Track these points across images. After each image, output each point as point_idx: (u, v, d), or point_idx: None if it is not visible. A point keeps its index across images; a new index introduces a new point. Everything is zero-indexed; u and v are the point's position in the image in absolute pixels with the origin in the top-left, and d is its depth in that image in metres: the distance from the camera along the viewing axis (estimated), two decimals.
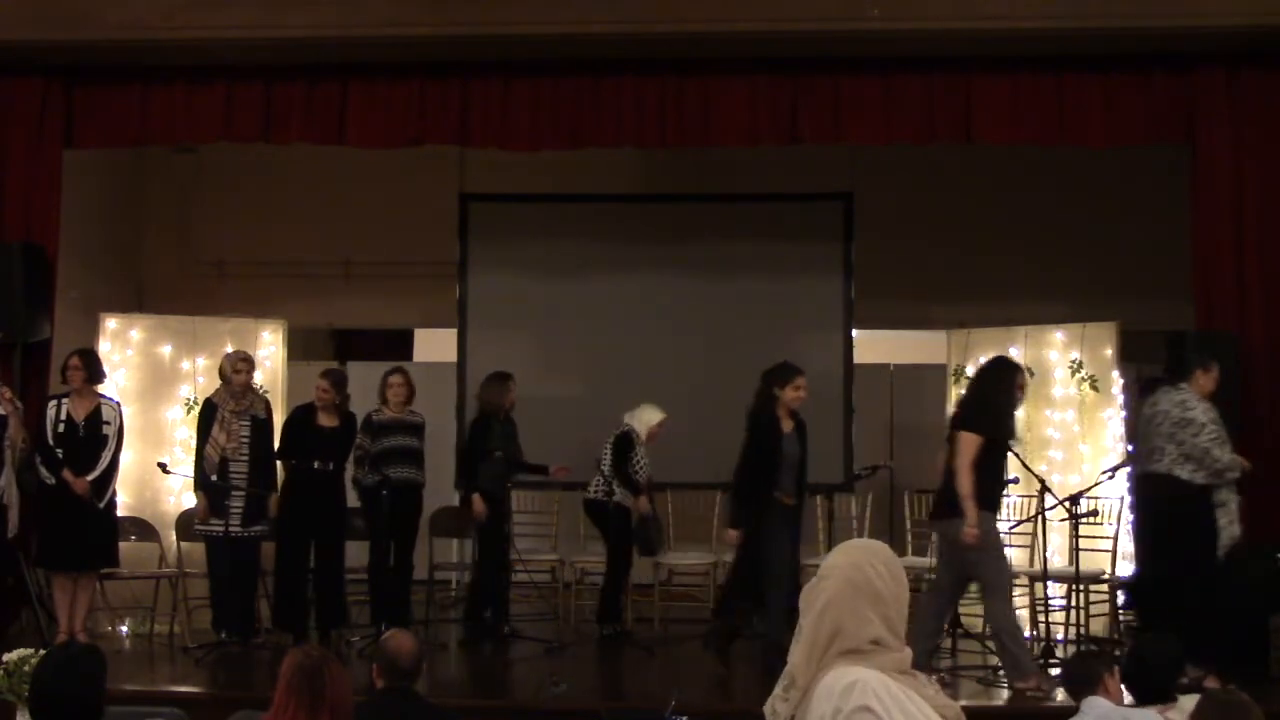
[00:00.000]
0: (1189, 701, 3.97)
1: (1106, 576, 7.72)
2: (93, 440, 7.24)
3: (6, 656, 4.29)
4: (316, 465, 7.56)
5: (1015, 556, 7.48)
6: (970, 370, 8.69)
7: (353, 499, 7.83)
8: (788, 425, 7.18)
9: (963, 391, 7.00)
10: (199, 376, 8.43)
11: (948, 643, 7.23)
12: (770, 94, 7.74)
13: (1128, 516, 7.94)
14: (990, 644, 7.15)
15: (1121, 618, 7.96)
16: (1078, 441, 8.24)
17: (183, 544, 7.89)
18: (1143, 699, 4.38)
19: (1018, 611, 7.26)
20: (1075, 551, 7.03)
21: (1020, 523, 7.64)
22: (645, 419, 8.05)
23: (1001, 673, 6.63)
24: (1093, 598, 7.63)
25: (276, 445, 7.69)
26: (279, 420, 7.86)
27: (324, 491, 7.61)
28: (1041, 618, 7.58)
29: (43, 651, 3.99)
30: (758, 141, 7.91)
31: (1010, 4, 7.30)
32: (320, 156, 9.01)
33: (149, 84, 7.98)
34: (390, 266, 10.24)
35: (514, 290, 9.75)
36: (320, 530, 7.60)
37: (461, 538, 8.70)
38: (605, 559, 8.03)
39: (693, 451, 8.81)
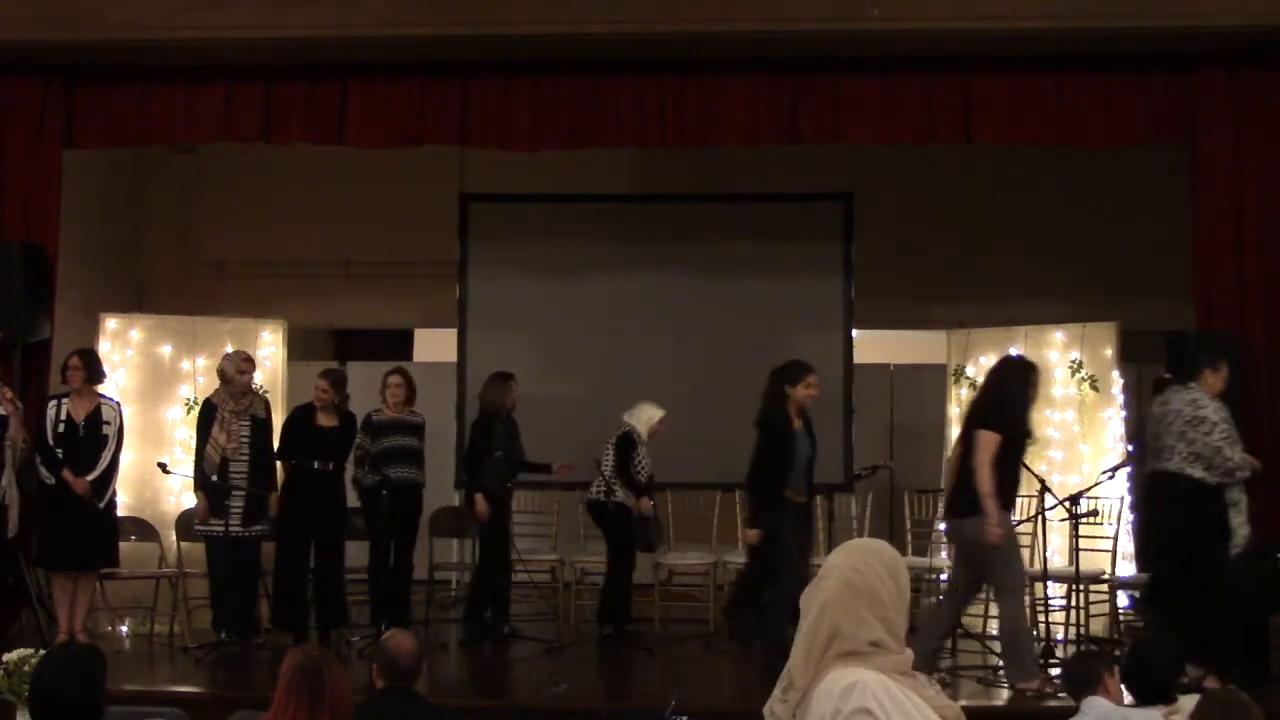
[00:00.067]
0: (1189, 701, 3.97)
1: (1106, 576, 7.72)
2: (93, 440, 7.24)
3: (6, 656, 4.29)
4: (316, 465, 7.56)
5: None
6: (970, 370, 8.71)
7: (353, 499, 7.83)
8: (797, 423, 7.19)
9: (976, 390, 6.96)
10: (199, 376, 8.43)
11: (948, 642, 7.21)
12: (770, 94, 7.74)
13: (1128, 516, 7.96)
14: (989, 644, 7.17)
15: (1121, 618, 7.96)
16: (1078, 441, 8.25)
17: (183, 544, 7.89)
18: (1143, 699, 4.38)
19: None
20: (1075, 551, 7.03)
21: (1020, 523, 7.62)
22: (646, 417, 8.05)
23: (1002, 673, 6.63)
24: (1093, 598, 7.63)
25: (276, 445, 7.69)
26: (278, 420, 7.86)
27: (324, 491, 7.61)
28: (1041, 618, 7.58)
29: (43, 651, 3.99)
30: (758, 141, 7.91)
31: (1010, 4, 7.30)
32: (320, 156, 9.01)
33: (149, 84, 7.98)
34: (390, 266, 10.24)
35: (514, 290, 9.74)
36: (320, 530, 7.60)
37: (462, 538, 8.69)
38: (605, 559, 8.03)
39: (693, 451, 8.82)
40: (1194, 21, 7.18)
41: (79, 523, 7.13)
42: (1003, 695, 6.46)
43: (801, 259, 9.60)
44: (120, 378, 8.26)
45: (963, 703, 5.79)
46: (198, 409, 7.82)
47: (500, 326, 9.70)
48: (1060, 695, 6.02)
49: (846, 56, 7.67)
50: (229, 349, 7.99)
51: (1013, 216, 9.94)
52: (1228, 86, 7.51)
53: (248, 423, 7.55)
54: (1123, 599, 8.05)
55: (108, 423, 7.30)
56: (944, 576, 8.12)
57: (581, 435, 8.53)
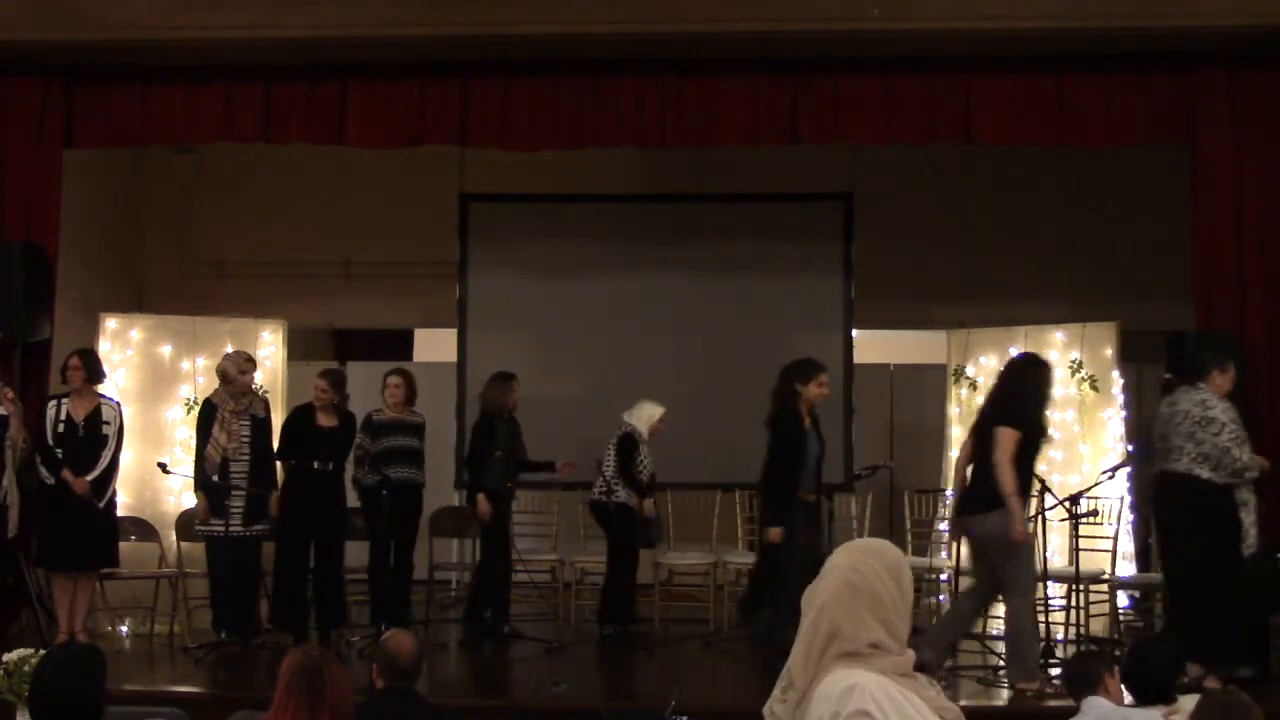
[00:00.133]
0: (1189, 701, 3.97)
1: (1106, 576, 7.72)
2: (92, 440, 7.23)
3: (6, 656, 4.29)
4: (316, 465, 7.55)
5: None
6: (970, 370, 8.72)
7: (353, 499, 7.82)
8: (806, 422, 7.19)
9: (991, 388, 6.93)
10: (199, 376, 8.43)
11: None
12: (770, 94, 7.74)
13: (1128, 516, 7.96)
14: (989, 644, 7.16)
15: (1121, 618, 7.96)
16: (1078, 441, 8.25)
17: (183, 544, 7.89)
18: (1143, 699, 4.38)
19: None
20: (1075, 551, 7.03)
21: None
22: (646, 416, 8.05)
23: (1002, 672, 6.63)
24: (1093, 598, 7.63)
25: (276, 445, 7.69)
26: (278, 420, 7.85)
27: (324, 491, 7.60)
28: (1041, 618, 7.56)
29: (43, 651, 3.99)
30: (758, 141, 7.91)
31: (1010, 4, 7.30)
32: (320, 156, 9.01)
33: (149, 84, 7.98)
34: (390, 266, 10.24)
35: (514, 290, 9.74)
36: (320, 530, 7.60)
37: (461, 538, 8.70)
38: (605, 559, 8.02)
39: (693, 451, 8.82)
40: (1194, 21, 7.18)
41: (79, 523, 7.13)
42: (1003, 695, 6.46)
43: (801, 259, 9.60)
44: (120, 378, 8.26)
45: (963, 703, 5.79)
46: (197, 409, 7.82)
47: (500, 326, 9.70)
48: (1060, 695, 6.04)
49: (846, 56, 7.67)
50: (229, 349, 8.00)
51: (1013, 216, 9.93)
52: (1228, 86, 7.51)
53: (248, 423, 7.55)
54: (1123, 599, 8.05)
55: (107, 423, 7.30)
56: (944, 576, 8.13)
57: (582, 435, 8.53)
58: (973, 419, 8.44)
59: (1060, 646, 7.26)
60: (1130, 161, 9.05)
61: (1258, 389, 7.24)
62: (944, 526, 8.40)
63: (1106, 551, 7.72)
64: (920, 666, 2.64)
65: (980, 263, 9.88)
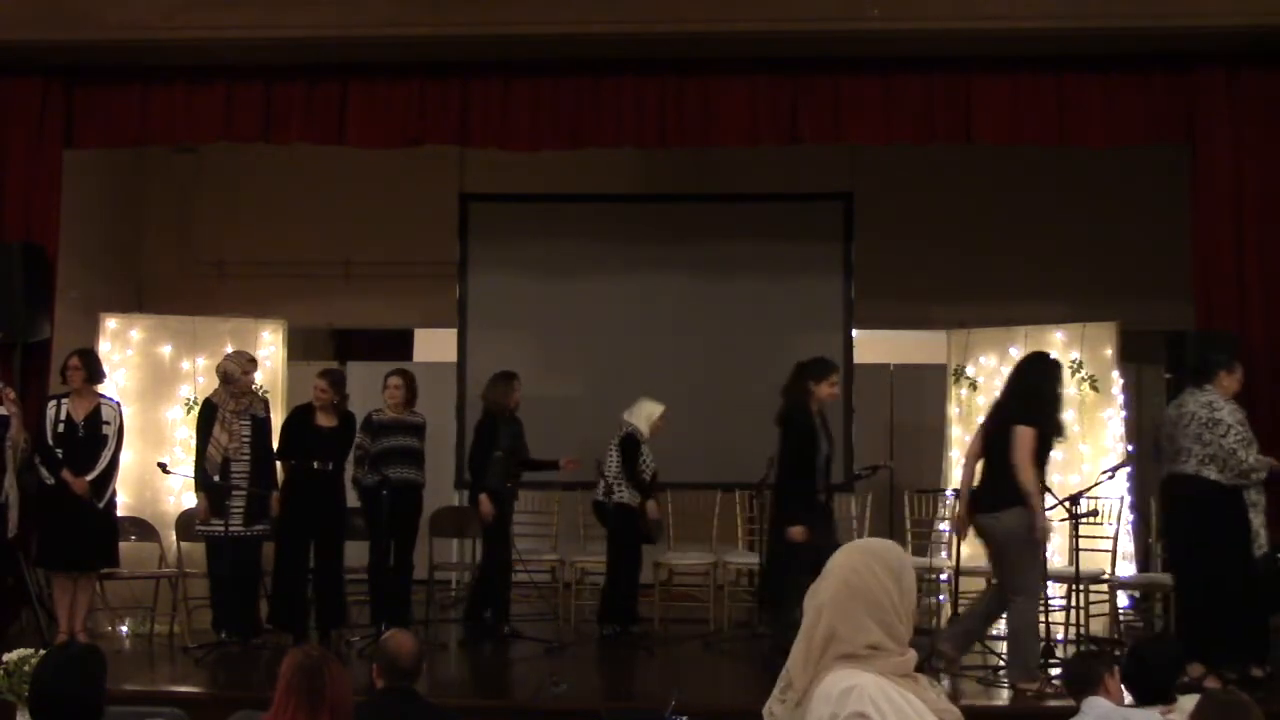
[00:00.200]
0: (1189, 701, 3.97)
1: (1106, 576, 7.72)
2: (92, 440, 7.23)
3: (6, 656, 4.29)
4: (316, 465, 7.55)
5: None
6: (970, 370, 8.72)
7: (353, 499, 7.82)
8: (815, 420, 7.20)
9: (1004, 386, 6.92)
10: (199, 376, 8.43)
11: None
12: (770, 94, 7.74)
13: (1128, 516, 7.96)
14: (989, 643, 7.16)
15: (1121, 618, 7.96)
16: (1078, 441, 8.23)
17: (183, 544, 7.89)
18: (1143, 699, 4.38)
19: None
20: (1075, 551, 7.02)
21: None
22: (646, 414, 8.05)
23: (1002, 672, 6.63)
24: (1093, 598, 7.63)
25: (275, 445, 7.69)
26: (277, 420, 7.85)
27: (323, 491, 7.60)
28: (1041, 618, 7.56)
29: (43, 651, 3.98)
30: (758, 141, 7.91)
31: (1010, 4, 7.30)
32: (320, 156, 9.01)
33: (149, 84, 7.98)
34: (390, 266, 10.24)
35: (514, 290, 9.75)
36: (320, 530, 7.60)
37: (462, 538, 8.70)
38: (605, 560, 8.02)
39: (693, 451, 8.82)
40: (1194, 21, 7.18)
41: (79, 523, 7.13)
42: (1003, 695, 6.46)
43: (801, 259, 9.60)
44: (120, 378, 8.26)
45: (963, 703, 5.79)
46: (197, 409, 7.82)
47: (500, 326, 9.70)
48: (1060, 695, 6.04)
49: (846, 56, 7.67)
50: (229, 349, 8.00)
51: (1013, 216, 9.94)
52: (1228, 86, 7.51)
53: (248, 422, 7.55)
54: (1123, 599, 8.05)
55: (107, 423, 7.30)
56: (944, 576, 8.13)
57: (582, 435, 8.54)
58: (973, 419, 8.52)
59: (1060, 646, 7.26)
60: (1130, 161, 9.06)
61: (1258, 389, 7.23)
62: (944, 526, 8.40)
63: (1106, 551, 7.72)
64: (921, 666, 2.64)
65: (980, 263, 9.88)
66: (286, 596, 7.57)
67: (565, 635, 7.94)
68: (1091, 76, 7.57)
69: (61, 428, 7.20)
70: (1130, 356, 8.41)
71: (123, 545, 7.62)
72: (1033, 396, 6.53)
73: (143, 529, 7.94)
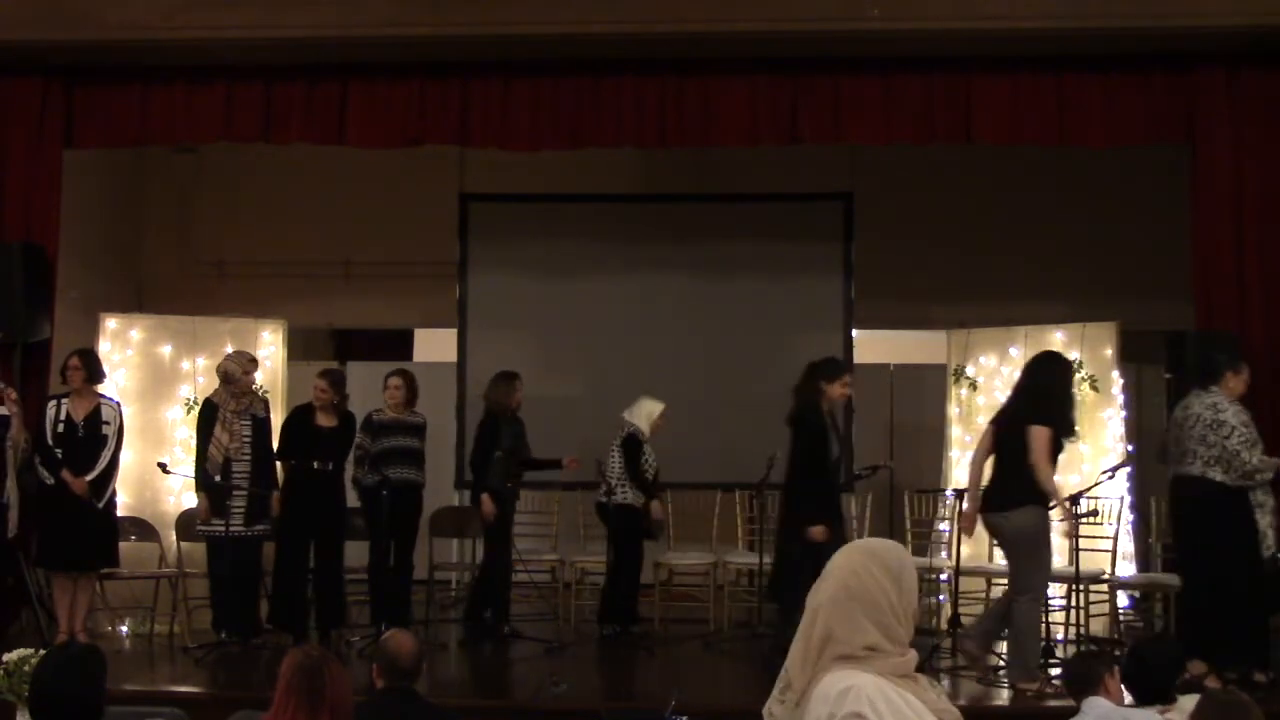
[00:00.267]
0: (1189, 701, 3.97)
1: (1106, 576, 7.72)
2: (92, 440, 7.23)
3: (6, 656, 4.29)
4: (316, 465, 7.55)
5: None
6: (970, 370, 8.71)
7: (353, 499, 7.82)
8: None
9: (1015, 385, 6.91)
10: (199, 376, 8.42)
11: (947, 643, 7.21)
12: (770, 94, 7.74)
13: (1128, 516, 7.96)
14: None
15: (1121, 618, 7.96)
16: (1078, 441, 8.22)
17: (183, 544, 7.89)
18: (1143, 699, 4.38)
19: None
20: (1075, 551, 7.02)
21: None
22: (646, 412, 8.05)
23: (1002, 672, 6.63)
24: (1093, 598, 7.63)
25: (275, 445, 7.69)
26: (277, 420, 7.85)
27: (324, 491, 7.60)
28: (1042, 618, 7.57)
29: (43, 651, 3.99)
30: (758, 141, 7.91)
31: (1010, 4, 7.29)
32: (320, 156, 9.01)
33: (149, 84, 7.98)
34: (390, 266, 10.24)
35: (514, 290, 9.75)
36: (320, 530, 7.60)
37: (461, 538, 8.70)
38: (605, 560, 8.02)
39: (693, 451, 8.82)
40: (1194, 21, 7.18)
41: (79, 523, 7.13)
42: (1003, 695, 6.46)
43: (801, 259, 9.61)
44: (120, 378, 8.26)
45: (962, 703, 5.80)
46: (198, 409, 7.82)
47: (500, 326, 9.71)
48: (1060, 695, 6.04)
49: (846, 56, 7.67)
50: (229, 349, 8.00)
51: (1013, 216, 9.93)
52: (1228, 86, 7.51)
53: (249, 422, 7.55)
54: (1123, 599, 8.05)
55: (107, 423, 7.30)
56: (944, 576, 8.13)
57: (582, 434, 8.54)
58: (973, 419, 8.53)
59: (1060, 646, 7.26)
60: (1130, 161, 9.06)
61: (1258, 389, 7.21)
62: (944, 526, 8.40)
63: (1106, 551, 7.72)
64: (921, 666, 2.64)
65: (980, 263, 9.88)
66: (286, 596, 7.58)
67: (565, 635, 7.94)
68: (1091, 76, 7.57)
69: (61, 428, 7.20)
70: (1130, 356, 8.41)
71: (123, 545, 7.62)
72: (1045, 396, 6.53)
73: (143, 529, 7.94)
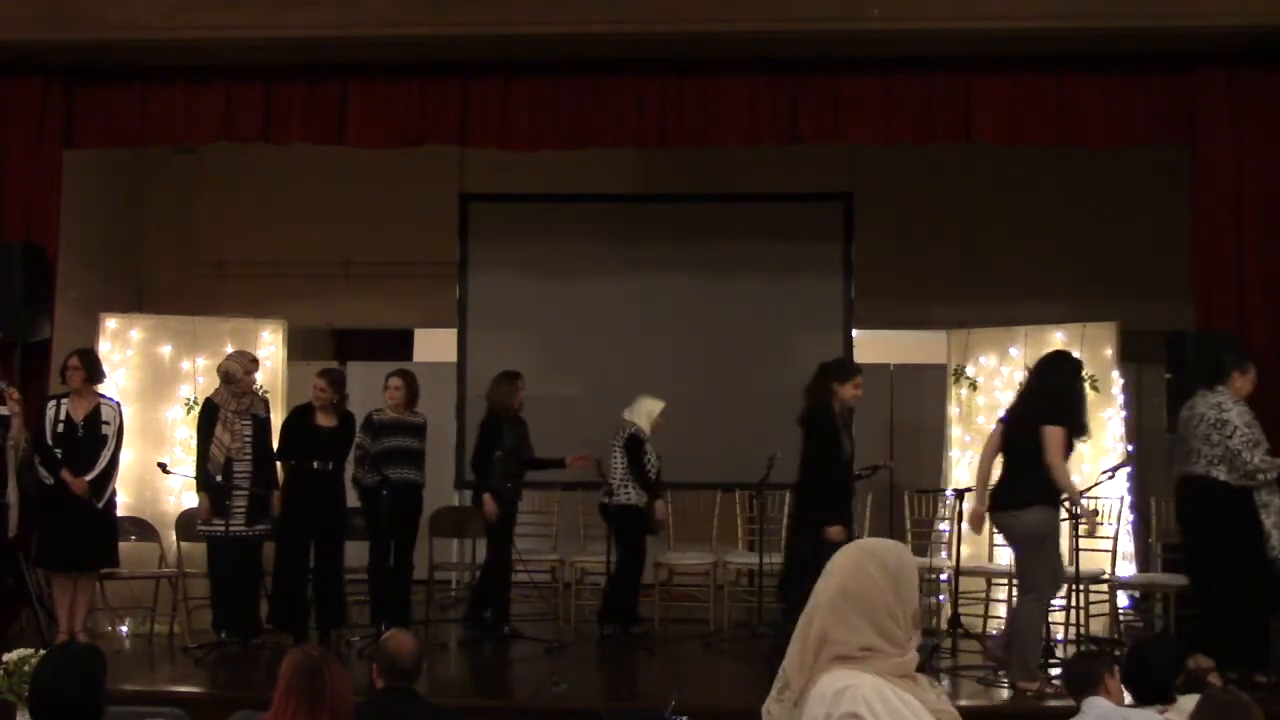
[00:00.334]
0: (1189, 702, 3.97)
1: (1106, 576, 7.72)
2: (92, 440, 7.23)
3: (6, 656, 4.29)
4: (316, 465, 7.55)
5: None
6: (970, 370, 8.71)
7: (353, 499, 7.83)
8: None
9: (1025, 385, 6.90)
10: (199, 376, 8.42)
11: (947, 642, 7.22)
12: (770, 94, 7.74)
13: (1128, 516, 7.96)
14: (990, 643, 7.16)
15: (1121, 618, 7.96)
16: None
17: (183, 544, 7.89)
18: (1143, 699, 4.38)
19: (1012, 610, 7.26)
20: (1075, 551, 7.02)
21: None
22: (646, 411, 8.05)
23: (1002, 672, 6.63)
24: (1093, 598, 7.63)
25: (275, 445, 7.69)
26: (277, 420, 7.85)
27: (323, 491, 7.60)
28: (1045, 618, 7.56)
29: (43, 651, 3.99)
30: (758, 141, 7.91)
31: (1010, 4, 7.29)
32: (320, 156, 9.01)
33: (149, 84, 7.98)
34: (390, 266, 10.24)
35: (514, 290, 9.75)
36: (320, 530, 7.60)
37: (461, 538, 8.70)
38: (605, 559, 8.01)
39: (693, 451, 8.82)
40: (1194, 21, 7.18)
41: (78, 523, 7.13)
42: (1003, 695, 6.46)
43: (801, 259, 9.60)
44: (120, 378, 8.26)
45: (962, 703, 5.81)
46: (198, 409, 7.82)
47: (500, 326, 9.71)
48: (1060, 695, 6.04)
49: (846, 56, 7.67)
50: (229, 349, 8.00)
51: (1013, 216, 9.93)
52: (1228, 86, 7.51)
53: (249, 422, 7.56)
54: (1123, 599, 8.05)
55: (107, 423, 7.30)
56: (944, 576, 8.13)
57: (582, 434, 8.53)
58: (974, 419, 8.53)
59: (1060, 646, 7.26)
60: (1130, 161, 9.06)
61: (1258, 389, 7.22)
62: (944, 526, 8.40)
63: (1106, 551, 7.72)
64: (922, 666, 2.63)
65: (980, 263, 9.88)
66: (286, 596, 7.58)
67: (565, 635, 7.94)
68: (1091, 76, 7.57)
69: (61, 428, 7.20)
70: (1130, 356, 8.41)
71: (123, 545, 7.62)
72: (1057, 396, 6.52)
73: (143, 529, 7.94)
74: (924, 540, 8.59)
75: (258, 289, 10.22)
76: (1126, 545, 8.03)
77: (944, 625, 7.62)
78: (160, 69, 7.93)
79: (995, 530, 6.98)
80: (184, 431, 8.26)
